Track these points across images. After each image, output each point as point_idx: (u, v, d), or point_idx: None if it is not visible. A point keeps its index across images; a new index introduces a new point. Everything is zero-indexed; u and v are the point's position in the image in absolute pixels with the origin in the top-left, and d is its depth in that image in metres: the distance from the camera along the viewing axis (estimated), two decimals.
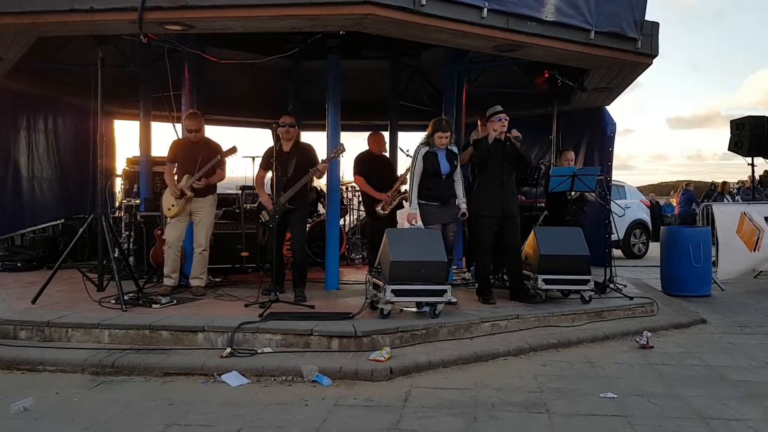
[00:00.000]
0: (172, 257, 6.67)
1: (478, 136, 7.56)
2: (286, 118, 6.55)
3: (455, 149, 6.48)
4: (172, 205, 6.63)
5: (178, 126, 7.57)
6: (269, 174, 6.63)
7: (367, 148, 7.72)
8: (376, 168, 7.62)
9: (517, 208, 6.66)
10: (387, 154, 8.45)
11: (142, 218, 7.95)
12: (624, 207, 12.79)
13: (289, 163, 6.41)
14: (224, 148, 6.73)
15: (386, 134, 9.16)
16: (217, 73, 9.04)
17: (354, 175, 7.70)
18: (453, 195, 6.44)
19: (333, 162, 6.99)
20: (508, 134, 6.44)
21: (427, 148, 6.35)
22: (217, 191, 7.13)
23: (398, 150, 9.47)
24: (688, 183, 18.17)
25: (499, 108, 6.53)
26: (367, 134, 7.85)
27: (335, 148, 6.63)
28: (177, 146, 6.90)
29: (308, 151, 6.69)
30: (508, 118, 6.45)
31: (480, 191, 6.50)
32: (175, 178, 6.71)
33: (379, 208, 7.37)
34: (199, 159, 6.60)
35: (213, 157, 6.66)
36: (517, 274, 6.65)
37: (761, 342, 5.94)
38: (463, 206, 6.41)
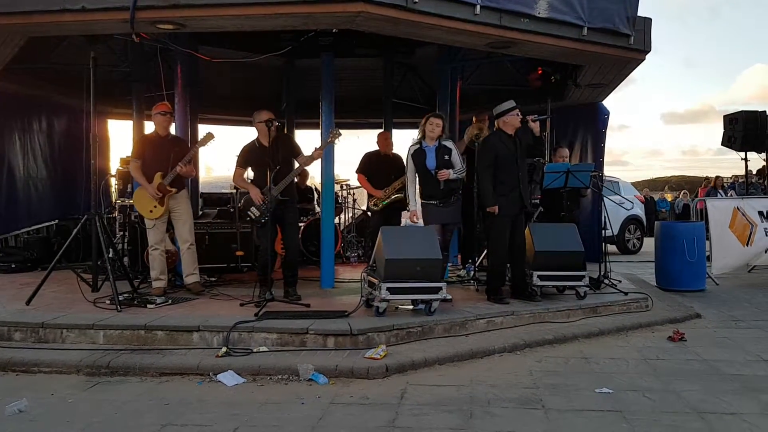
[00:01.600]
0: (159, 259, 6.60)
1: (474, 132, 7.58)
2: (268, 114, 6.29)
3: (449, 144, 6.46)
4: (155, 207, 6.47)
5: (172, 126, 7.54)
6: (248, 172, 6.56)
7: (377, 147, 7.86)
8: (382, 167, 7.69)
9: (530, 200, 6.58)
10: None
11: (137, 218, 7.92)
12: (631, 201, 12.91)
13: (274, 156, 6.20)
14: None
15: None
16: (211, 71, 9.05)
17: (357, 172, 7.81)
18: (452, 191, 6.45)
19: (328, 157, 6.98)
20: (531, 120, 6.38)
21: (417, 146, 6.39)
22: (212, 190, 7.11)
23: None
24: (717, 177, 17.93)
25: (514, 103, 6.47)
26: (360, 132, 7.93)
27: (330, 132, 6.50)
28: (145, 142, 6.66)
29: (289, 140, 6.69)
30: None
31: (496, 191, 6.35)
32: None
33: (371, 204, 7.42)
34: (171, 156, 6.46)
35: (185, 152, 6.55)
36: (522, 272, 6.56)
37: (756, 336, 5.96)
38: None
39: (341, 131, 6.53)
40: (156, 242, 6.58)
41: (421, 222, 6.46)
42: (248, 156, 6.42)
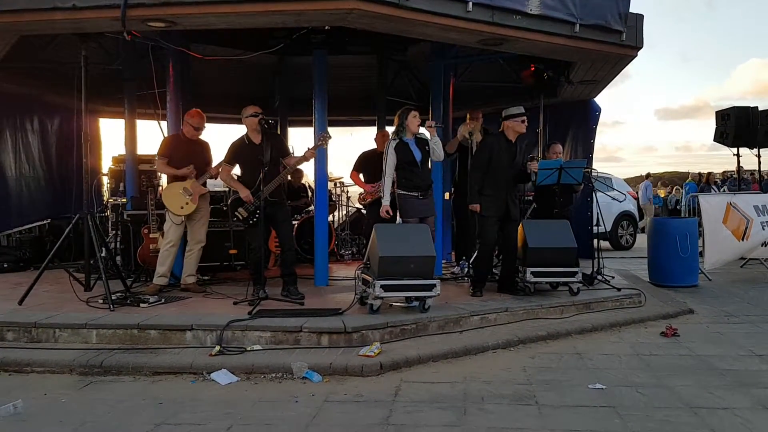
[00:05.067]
0: (173, 256, 6.65)
1: (467, 130, 7.59)
2: (254, 108, 6.30)
3: (426, 136, 6.44)
4: (186, 203, 6.53)
5: (164, 123, 7.53)
6: (235, 169, 6.55)
7: (374, 146, 7.99)
8: (378, 165, 7.73)
9: (519, 212, 6.78)
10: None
11: (129, 217, 7.90)
12: (624, 193, 12.92)
13: (264, 154, 6.17)
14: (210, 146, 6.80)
15: (374, 129, 9.19)
16: (203, 69, 9.00)
17: (352, 171, 7.91)
18: (431, 185, 6.56)
19: (321, 155, 6.98)
20: (529, 166, 6.76)
21: (396, 141, 6.38)
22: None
23: None
24: (710, 173, 17.69)
25: (522, 110, 6.60)
26: (353, 129, 8.02)
27: (321, 135, 6.49)
28: (173, 143, 6.79)
29: (279, 140, 6.70)
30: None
31: (485, 191, 6.51)
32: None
33: (360, 199, 7.50)
34: (200, 155, 6.72)
35: (208, 154, 6.85)
36: (510, 269, 6.73)
37: (748, 331, 6.00)
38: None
39: (331, 134, 6.54)
40: (176, 240, 6.62)
41: (401, 220, 6.54)
42: (237, 152, 6.36)
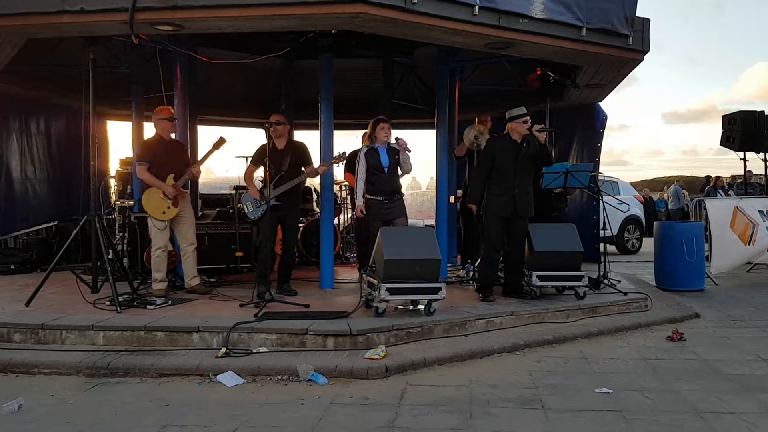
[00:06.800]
0: (166, 261, 6.63)
1: (474, 133, 7.60)
2: (276, 117, 6.64)
3: (396, 146, 6.69)
4: (168, 208, 6.50)
5: None
6: (259, 171, 6.83)
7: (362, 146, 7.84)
8: None
9: (531, 209, 6.58)
10: None
11: (136, 219, 7.93)
12: (627, 203, 12.89)
13: (283, 160, 6.55)
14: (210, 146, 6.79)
15: None
16: (210, 72, 9.03)
17: (345, 172, 7.89)
18: (398, 190, 6.73)
19: (327, 158, 7.04)
20: (535, 130, 6.48)
21: (368, 147, 6.71)
22: (211, 191, 7.18)
23: None
24: (718, 177, 17.43)
25: (524, 110, 6.56)
26: (359, 132, 7.98)
27: (338, 155, 6.78)
28: (153, 145, 6.69)
29: (302, 149, 6.85)
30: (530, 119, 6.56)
31: (489, 191, 6.49)
32: None
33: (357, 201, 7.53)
34: (179, 157, 6.69)
35: (186, 154, 6.86)
36: (517, 273, 6.67)
37: (755, 335, 5.98)
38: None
39: (337, 136, 6.93)
40: (165, 244, 6.59)
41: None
42: (260, 156, 6.64)
